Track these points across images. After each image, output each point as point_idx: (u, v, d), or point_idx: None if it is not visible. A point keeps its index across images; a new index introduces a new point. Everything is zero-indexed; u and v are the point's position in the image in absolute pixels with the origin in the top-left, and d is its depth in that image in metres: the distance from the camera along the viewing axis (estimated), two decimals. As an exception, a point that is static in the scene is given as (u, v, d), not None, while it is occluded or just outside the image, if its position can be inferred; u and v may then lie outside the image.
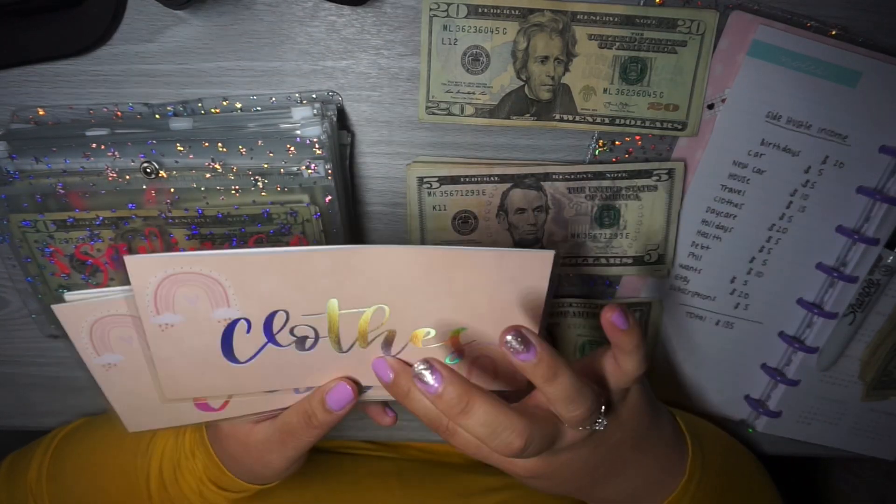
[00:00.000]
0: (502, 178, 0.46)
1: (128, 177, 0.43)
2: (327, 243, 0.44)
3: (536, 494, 0.52)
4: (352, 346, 0.35)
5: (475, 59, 0.43)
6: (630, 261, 0.48)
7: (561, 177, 0.46)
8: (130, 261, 0.30)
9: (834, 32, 0.43)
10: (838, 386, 0.52)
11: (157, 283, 0.31)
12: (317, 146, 0.42)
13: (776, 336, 0.51)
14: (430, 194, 0.46)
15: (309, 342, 0.34)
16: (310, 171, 0.42)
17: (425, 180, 0.46)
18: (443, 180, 0.46)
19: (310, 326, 0.34)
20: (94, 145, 0.42)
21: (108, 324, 0.33)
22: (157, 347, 0.33)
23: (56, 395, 0.54)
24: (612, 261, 0.48)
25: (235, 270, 0.31)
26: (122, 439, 0.47)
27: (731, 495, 0.44)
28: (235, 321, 0.33)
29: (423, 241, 0.47)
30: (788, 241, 0.48)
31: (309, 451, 0.42)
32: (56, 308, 0.32)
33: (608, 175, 0.46)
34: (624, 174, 0.46)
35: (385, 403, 0.43)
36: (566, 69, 0.44)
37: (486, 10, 0.42)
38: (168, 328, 0.32)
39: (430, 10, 0.42)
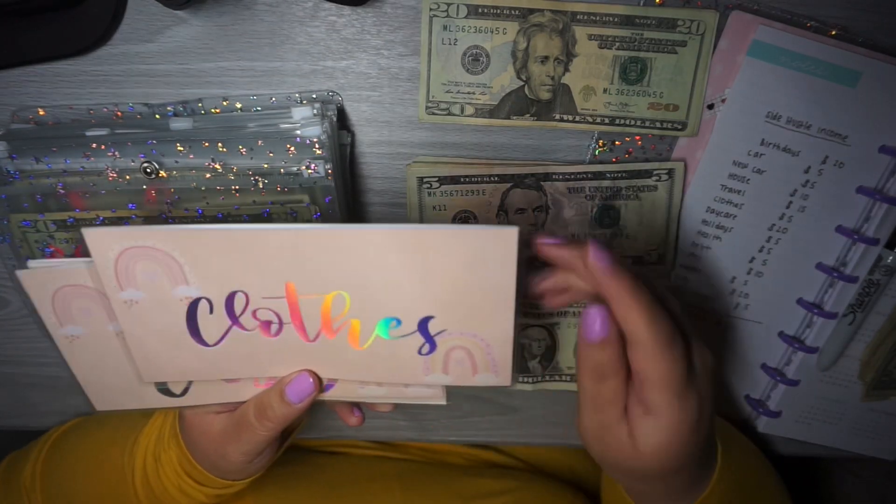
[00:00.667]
0: (502, 178, 0.46)
1: (128, 177, 0.43)
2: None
3: (540, 497, 0.52)
4: (318, 335, 0.34)
5: (475, 60, 0.43)
6: (630, 261, 0.48)
7: (561, 177, 0.46)
8: (88, 233, 0.30)
9: (834, 32, 0.43)
10: (838, 386, 0.52)
11: (115, 256, 0.31)
12: (317, 146, 0.42)
13: (776, 336, 0.51)
14: (430, 194, 0.46)
15: (274, 327, 0.34)
16: (310, 171, 0.42)
17: (425, 180, 0.46)
18: (443, 180, 0.46)
19: (271, 311, 0.33)
20: (94, 145, 0.42)
21: (70, 294, 0.34)
22: (127, 325, 0.33)
23: (56, 395, 0.54)
24: (612, 261, 0.48)
25: (187, 246, 0.31)
26: (114, 437, 0.47)
27: (751, 485, 0.44)
28: (197, 300, 0.32)
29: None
30: (788, 241, 0.48)
31: (276, 448, 0.41)
32: (20, 274, 0.32)
33: (608, 175, 0.46)
34: (624, 174, 0.46)
35: (353, 403, 0.42)
36: (566, 69, 0.44)
37: (485, 11, 0.42)
38: (133, 304, 0.32)
39: (430, 10, 0.42)
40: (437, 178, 0.46)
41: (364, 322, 0.34)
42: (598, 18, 0.42)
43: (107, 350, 0.35)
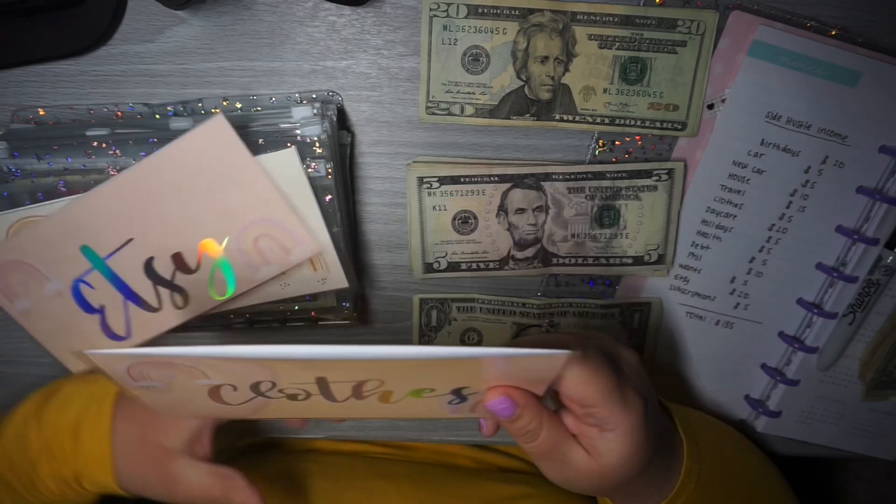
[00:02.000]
0: (502, 178, 0.46)
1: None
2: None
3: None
4: (346, 399, 0.34)
5: (475, 60, 0.43)
6: (630, 261, 0.48)
7: (561, 177, 0.46)
8: (97, 357, 0.29)
9: (834, 32, 0.43)
10: (838, 386, 0.52)
11: (125, 368, 0.30)
12: (317, 145, 0.42)
13: (776, 336, 0.51)
14: (430, 194, 0.46)
15: (301, 397, 0.34)
16: (310, 170, 0.42)
17: (425, 180, 0.46)
18: (443, 180, 0.46)
19: (301, 389, 0.33)
20: (95, 144, 0.42)
21: (5, 269, 0.37)
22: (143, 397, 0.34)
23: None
24: (612, 261, 0.48)
25: (214, 367, 0.30)
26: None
27: (731, 477, 0.44)
28: (219, 384, 0.32)
29: (423, 242, 0.47)
30: (788, 241, 0.48)
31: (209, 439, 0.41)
32: None
33: (608, 175, 0.46)
34: (624, 174, 0.46)
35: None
36: (566, 69, 0.44)
37: (485, 11, 0.42)
38: (149, 390, 0.33)
39: (430, 10, 0.42)
40: (437, 178, 0.46)
41: (397, 392, 0.34)
42: (597, 18, 0.43)
43: (55, 312, 0.38)
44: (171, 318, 0.42)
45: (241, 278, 0.41)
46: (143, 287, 0.41)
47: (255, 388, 0.32)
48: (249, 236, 0.40)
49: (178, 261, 0.40)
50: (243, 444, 0.59)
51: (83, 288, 0.40)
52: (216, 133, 0.37)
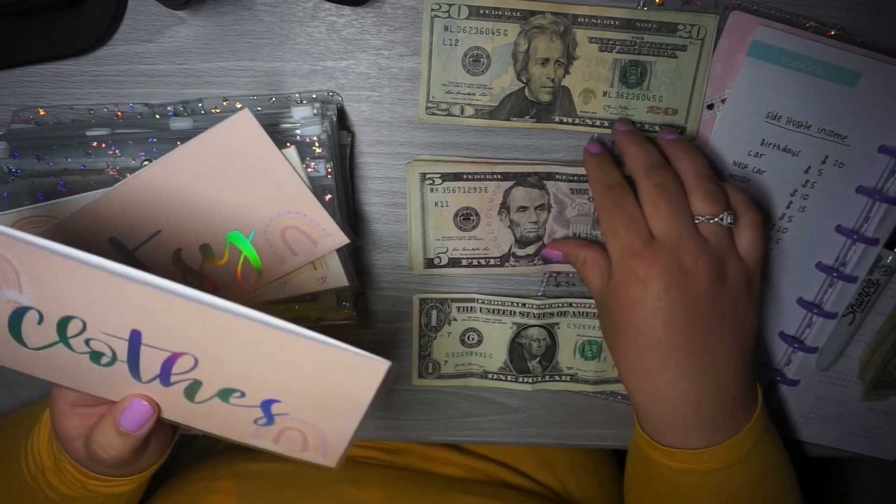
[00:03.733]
0: (505, 176, 0.46)
1: (129, 175, 0.43)
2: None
3: None
4: (152, 380, 0.33)
5: (476, 61, 0.43)
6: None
7: (564, 177, 0.46)
8: None
9: (833, 33, 0.43)
10: (838, 386, 0.52)
11: None
12: (316, 145, 0.42)
13: (776, 336, 0.51)
14: (432, 190, 0.46)
15: (105, 359, 0.32)
16: (309, 170, 0.42)
17: (427, 176, 0.46)
18: (445, 177, 0.46)
19: (107, 345, 0.31)
20: (95, 144, 0.42)
21: None
22: None
23: (56, 395, 0.53)
24: (612, 261, 0.48)
25: (31, 261, 0.29)
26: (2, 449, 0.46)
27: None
28: (25, 309, 0.30)
29: (424, 238, 0.47)
30: (788, 241, 0.48)
31: (165, 440, 0.40)
32: None
33: (608, 175, 0.46)
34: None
35: None
36: (566, 72, 0.44)
37: (487, 12, 0.42)
38: None
39: (431, 10, 0.42)
40: (439, 175, 0.46)
41: (206, 385, 0.33)
42: (598, 21, 0.43)
43: None
44: None
45: (268, 269, 0.42)
46: (172, 278, 0.41)
47: (61, 326, 0.30)
48: (276, 228, 0.41)
49: (206, 252, 0.41)
50: (203, 444, 0.58)
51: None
52: (242, 126, 0.38)
